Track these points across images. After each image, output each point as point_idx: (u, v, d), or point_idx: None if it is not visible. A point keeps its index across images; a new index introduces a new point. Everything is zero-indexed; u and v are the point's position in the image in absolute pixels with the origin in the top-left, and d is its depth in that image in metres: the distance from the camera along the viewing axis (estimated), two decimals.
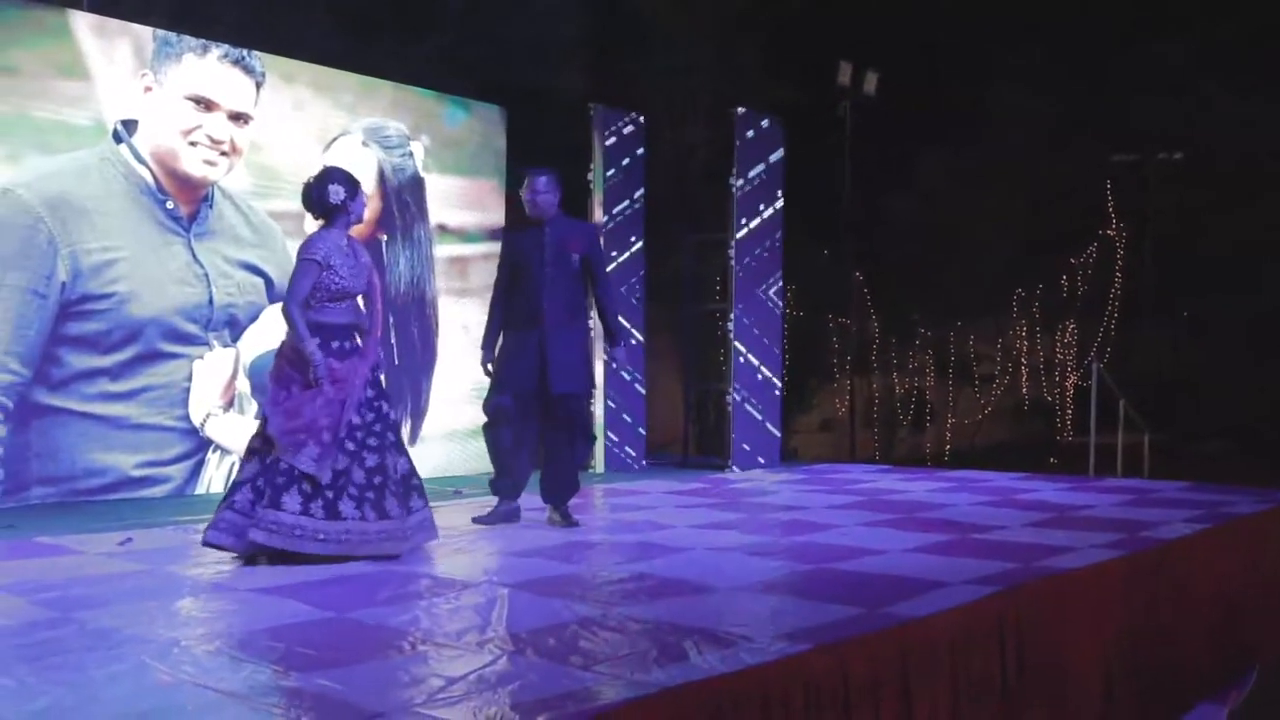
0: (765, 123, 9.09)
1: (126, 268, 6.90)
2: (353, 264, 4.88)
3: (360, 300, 4.99)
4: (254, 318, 7.52)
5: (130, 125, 6.98)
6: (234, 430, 7.25)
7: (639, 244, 9.05)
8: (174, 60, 7.15)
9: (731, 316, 8.90)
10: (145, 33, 7.07)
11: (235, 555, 4.69)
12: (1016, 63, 15.73)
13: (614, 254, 8.72)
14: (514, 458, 5.77)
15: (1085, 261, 17.98)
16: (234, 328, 7.43)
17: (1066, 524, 5.76)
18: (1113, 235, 17.93)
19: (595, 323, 6.35)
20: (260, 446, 4.78)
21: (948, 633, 3.57)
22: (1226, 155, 16.19)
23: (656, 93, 11.15)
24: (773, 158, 9.13)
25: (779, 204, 9.18)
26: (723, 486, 7.70)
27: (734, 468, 8.78)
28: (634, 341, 8.72)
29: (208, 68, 7.28)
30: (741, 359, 8.91)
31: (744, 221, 8.93)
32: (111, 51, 6.92)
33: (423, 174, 8.54)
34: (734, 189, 8.88)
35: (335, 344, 4.81)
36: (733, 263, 8.91)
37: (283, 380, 4.77)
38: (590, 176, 8.86)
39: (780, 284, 9.33)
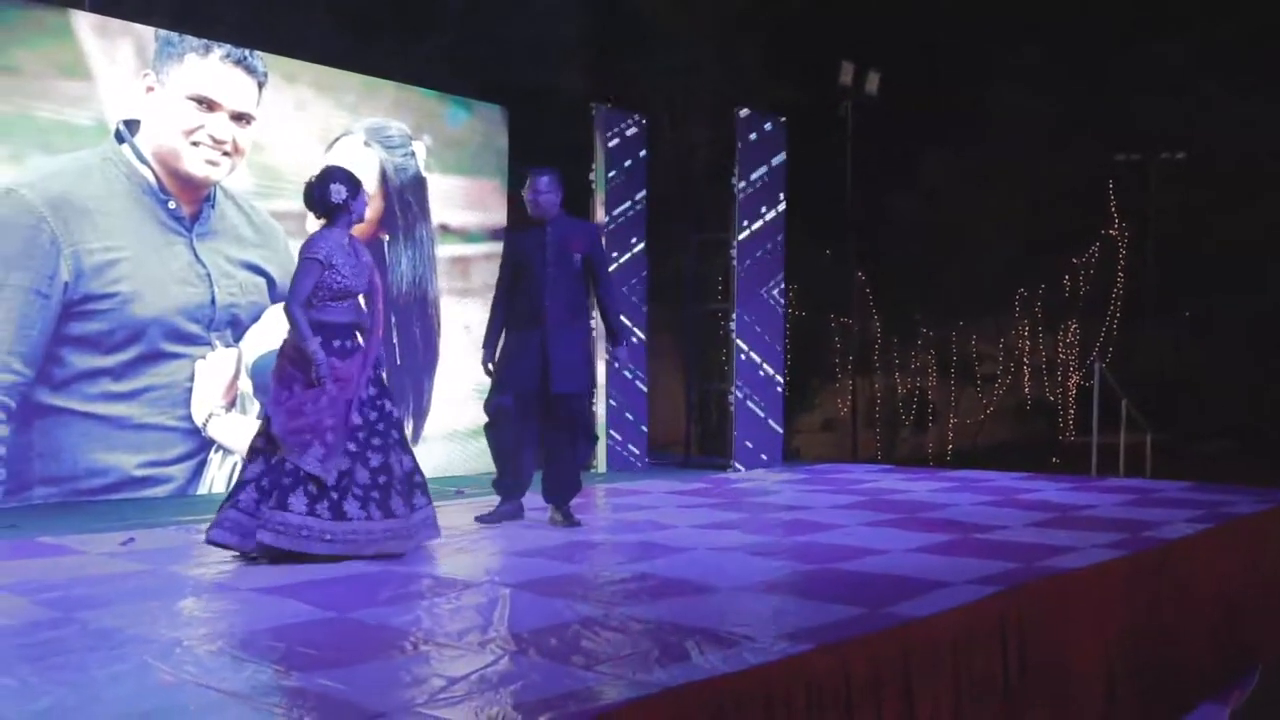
0: (768, 125, 9.09)
1: (129, 268, 6.91)
2: (354, 263, 4.89)
3: (361, 299, 5.00)
4: (256, 318, 7.53)
5: (132, 125, 6.99)
6: (236, 430, 7.25)
7: (640, 245, 9.06)
8: (176, 60, 7.15)
9: (733, 316, 8.90)
10: (147, 33, 7.08)
11: (236, 554, 4.70)
12: (1017, 63, 15.73)
13: (615, 254, 8.72)
14: (516, 458, 5.77)
15: (1087, 261, 17.98)
16: (236, 328, 7.44)
17: (1069, 524, 5.75)
18: (1115, 235, 17.92)
19: (597, 322, 6.35)
20: (264, 446, 4.78)
21: (950, 633, 3.57)
22: (1227, 155, 16.19)
23: (658, 92, 11.15)
24: (775, 161, 9.12)
25: (781, 207, 9.18)
26: (725, 486, 7.70)
27: (737, 466, 8.78)
28: (635, 340, 8.72)
29: (210, 68, 7.29)
30: (743, 357, 8.91)
31: (746, 224, 8.93)
32: (113, 51, 6.92)
33: (425, 174, 8.54)
34: (736, 190, 8.88)
35: (337, 343, 4.82)
36: (734, 263, 8.91)
37: (285, 379, 4.78)
38: (592, 176, 8.87)
39: (782, 284, 9.34)
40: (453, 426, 8.67)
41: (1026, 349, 18.50)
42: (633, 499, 6.95)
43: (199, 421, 7.24)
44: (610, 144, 8.90)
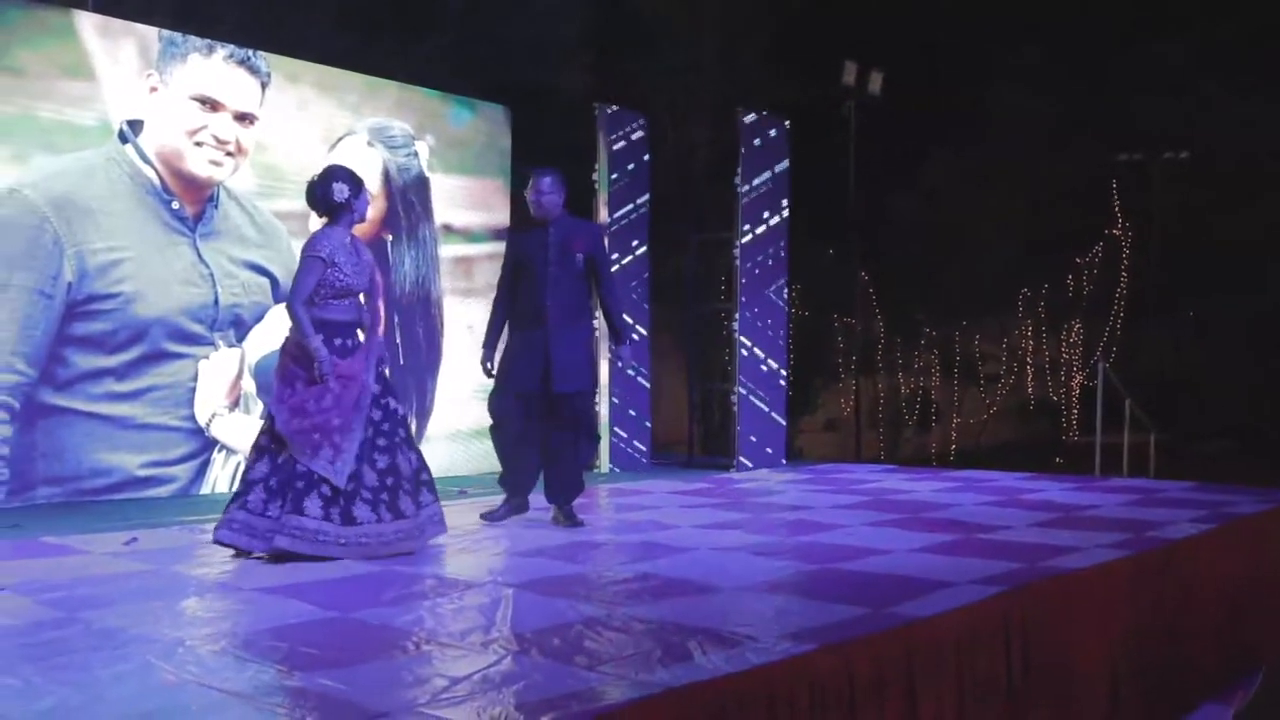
0: (773, 132, 9.07)
1: (132, 268, 6.91)
2: (356, 261, 4.90)
3: (361, 297, 5.01)
4: (259, 318, 7.53)
5: (136, 125, 6.99)
6: (239, 430, 7.26)
7: (643, 246, 9.06)
8: (179, 60, 7.16)
9: (736, 316, 8.90)
10: (150, 33, 7.08)
11: (235, 553, 4.71)
12: (1017, 63, 15.72)
13: (618, 256, 8.72)
14: (520, 458, 5.77)
15: (1091, 261, 17.96)
16: (239, 327, 7.44)
17: (1072, 524, 5.75)
18: (1118, 235, 17.91)
19: (600, 322, 6.35)
20: (269, 445, 4.79)
21: (953, 633, 3.57)
22: (1227, 155, 16.17)
23: (660, 92, 11.15)
24: (779, 167, 9.11)
25: (785, 213, 9.18)
26: (727, 486, 7.70)
27: (745, 462, 8.78)
28: (636, 337, 8.71)
29: (213, 68, 7.29)
30: (745, 353, 8.90)
31: (749, 228, 8.92)
32: (116, 52, 6.93)
33: (428, 174, 8.54)
34: (739, 191, 8.86)
35: (338, 341, 4.84)
36: (737, 263, 8.90)
37: (287, 377, 4.79)
38: (595, 177, 8.87)
39: (785, 285, 9.33)
40: (456, 426, 8.67)
41: (1030, 349, 18.49)
42: (635, 499, 6.94)
43: (202, 421, 7.25)
44: (615, 146, 8.90)
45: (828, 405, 17.32)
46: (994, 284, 17.36)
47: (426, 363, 8.61)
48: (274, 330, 7.31)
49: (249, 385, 7.45)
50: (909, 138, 15.20)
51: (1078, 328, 18.27)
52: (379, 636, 3.38)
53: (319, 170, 5.04)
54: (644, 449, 9.07)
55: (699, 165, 11.66)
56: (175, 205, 7.15)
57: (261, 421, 5.06)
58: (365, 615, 3.66)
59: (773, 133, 9.08)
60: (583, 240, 5.76)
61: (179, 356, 7.14)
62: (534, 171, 5.83)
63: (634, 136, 9.00)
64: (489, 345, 5.83)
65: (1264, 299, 15.95)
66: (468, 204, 8.86)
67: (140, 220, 6.99)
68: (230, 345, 7.40)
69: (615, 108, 8.98)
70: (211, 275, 7.30)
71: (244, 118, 7.43)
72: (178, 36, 7.17)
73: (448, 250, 8.73)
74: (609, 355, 7.44)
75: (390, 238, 8.32)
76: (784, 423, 9.29)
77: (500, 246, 7.58)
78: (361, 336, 4.97)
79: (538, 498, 5.90)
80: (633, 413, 8.97)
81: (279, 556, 4.57)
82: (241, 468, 5.14)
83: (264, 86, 7.56)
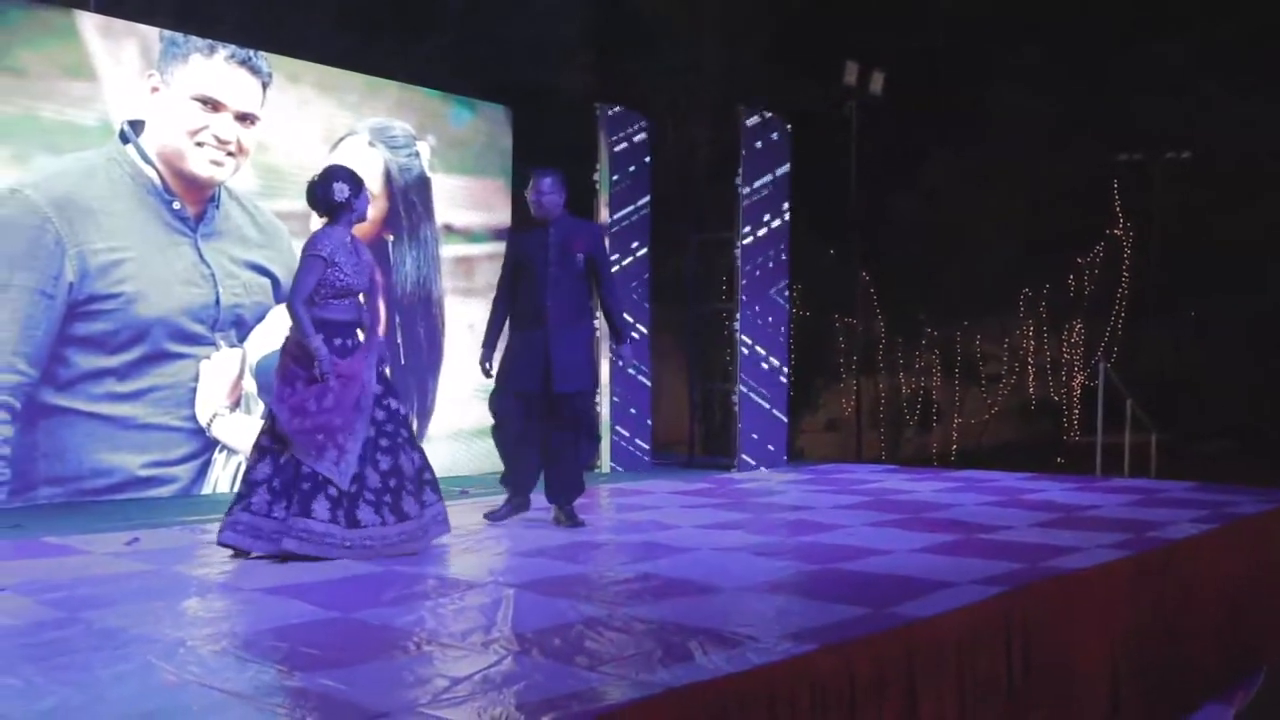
0: (775, 135, 9.07)
1: (133, 268, 6.92)
2: (356, 261, 4.91)
3: (361, 297, 5.01)
4: (260, 318, 7.54)
5: (137, 125, 7.00)
6: (240, 430, 7.26)
7: (644, 247, 9.05)
8: (181, 61, 7.16)
9: (737, 316, 8.89)
10: (152, 33, 7.09)
11: (233, 553, 4.72)
12: (1017, 63, 15.71)
13: (619, 257, 8.72)
14: (522, 458, 5.78)
15: (1091, 261, 17.95)
16: (240, 328, 7.44)
17: (1073, 524, 5.75)
18: (1119, 235, 17.90)
19: (600, 322, 6.36)
20: (270, 445, 4.79)
21: (954, 633, 3.57)
22: (1227, 155, 16.16)
23: (661, 92, 11.14)
24: (780, 171, 9.11)
25: (786, 216, 9.17)
26: (728, 486, 7.70)
27: (745, 458, 8.78)
28: (636, 335, 8.71)
29: (214, 68, 7.30)
30: (746, 351, 8.90)
31: (749, 230, 8.91)
32: (118, 52, 6.93)
33: (429, 174, 8.55)
34: (740, 192, 8.86)
35: (338, 341, 4.84)
36: (738, 263, 8.90)
37: (288, 377, 4.80)
38: (596, 177, 8.87)
39: (786, 285, 9.33)
40: (457, 426, 8.67)
41: (1031, 349, 18.47)
42: (636, 499, 6.95)
43: (203, 421, 7.25)
44: (617, 148, 8.90)
45: (829, 405, 17.30)
46: (995, 284, 17.34)
47: (428, 362, 8.61)
48: (275, 330, 7.31)
49: (250, 385, 7.45)
50: (909, 138, 15.19)
51: (1079, 328, 18.25)
52: (380, 637, 3.38)
53: (319, 170, 5.05)
54: (645, 449, 9.07)
55: (699, 165, 11.64)
56: (176, 205, 7.15)
57: (262, 421, 5.06)
58: (366, 615, 3.66)
59: (775, 136, 9.08)
60: (583, 240, 5.77)
61: (180, 357, 7.15)
62: (534, 172, 5.84)
63: (636, 139, 9.01)
64: (488, 345, 5.83)
65: (1264, 299, 15.93)
66: (469, 204, 8.87)
67: (141, 220, 7.00)
68: (231, 345, 7.40)
69: (616, 109, 8.98)
70: (213, 275, 7.30)
71: (245, 118, 7.43)
72: (179, 37, 7.17)
73: (449, 250, 8.73)
74: (610, 355, 7.44)
75: (391, 238, 8.32)
76: (785, 419, 9.28)
77: (501, 247, 7.57)
78: (361, 336, 4.98)
79: (538, 497, 5.90)
80: (634, 410, 8.97)
81: (283, 557, 4.57)
82: (242, 468, 5.15)
83: (265, 87, 7.56)
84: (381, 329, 5.18)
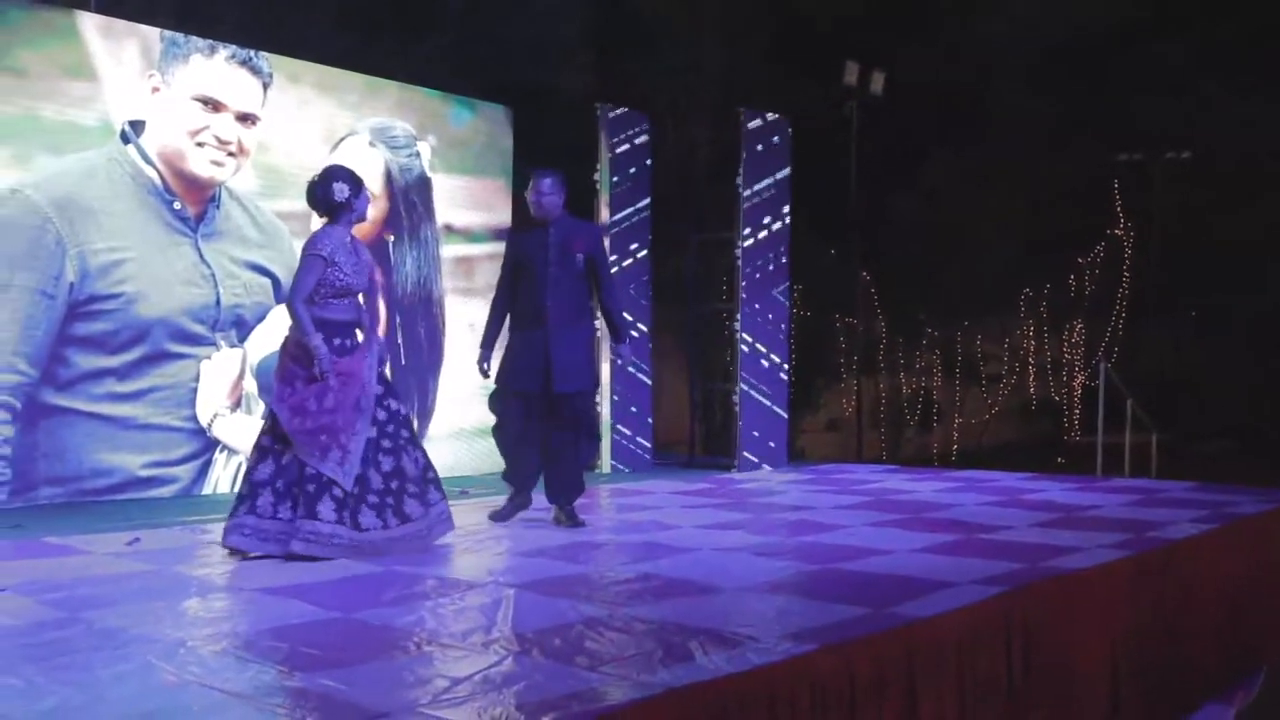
0: (776, 138, 9.06)
1: (134, 268, 6.92)
2: (356, 261, 4.92)
3: (360, 297, 5.02)
4: (261, 318, 7.54)
5: (138, 126, 7.00)
6: (241, 430, 7.26)
7: (644, 248, 9.05)
8: (181, 61, 7.16)
9: (738, 316, 8.89)
10: (152, 33, 7.09)
11: (229, 553, 4.72)
12: (1018, 63, 15.70)
13: (619, 258, 8.71)
14: (522, 458, 5.78)
15: (1092, 261, 17.95)
16: (241, 328, 7.45)
17: (1073, 524, 5.75)
18: (1119, 235, 17.90)
19: (600, 322, 6.36)
20: (271, 445, 4.79)
21: (954, 633, 3.57)
22: (1227, 155, 16.15)
23: (662, 92, 11.14)
24: (780, 173, 9.10)
25: (787, 220, 9.17)
26: (729, 486, 7.70)
27: (746, 455, 8.78)
28: (636, 334, 8.71)
29: (215, 68, 7.30)
30: (746, 349, 8.90)
31: (750, 232, 8.91)
32: (119, 52, 6.93)
33: (429, 174, 8.55)
34: (740, 193, 8.85)
35: (337, 341, 4.85)
36: (739, 263, 8.90)
37: (287, 376, 4.80)
38: (596, 177, 8.87)
39: (786, 285, 9.33)
40: (458, 426, 8.67)
41: (1031, 349, 18.47)
42: (637, 499, 6.95)
43: (204, 422, 7.26)
44: (618, 149, 8.89)
45: (829, 405, 17.30)
46: (995, 284, 17.34)
47: (428, 362, 8.61)
48: (276, 331, 7.31)
49: (251, 386, 7.45)
50: (909, 138, 15.18)
51: (1079, 328, 18.25)
52: (380, 637, 3.39)
53: (319, 170, 5.05)
54: (647, 447, 9.07)
55: (700, 165, 11.65)
56: (177, 205, 7.15)
57: (263, 422, 5.06)
58: (366, 616, 3.66)
59: (775, 139, 9.07)
60: (583, 241, 5.77)
61: (181, 357, 7.15)
62: (535, 172, 5.84)
63: (637, 140, 9.01)
64: (486, 345, 5.84)
65: (1264, 299, 15.94)
66: (469, 204, 8.87)
67: (142, 220, 7.00)
68: (232, 345, 7.40)
69: (617, 109, 8.98)
70: (213, 275, 7.30)
71: (246, 118, 7.43)
72: (179, 37, 7.18)
73: (449, 250, 8.73)
74: (610, 355, 7.44)
75: (392, 238, 8.32)
76: (786, 416, 9.28)
77: (501, 247, 7.58)
78: (360, 336, 4.98)
79: (539, 497, 5.90)
80: (634, 409, 8.96)
81: (287, 557, 4.58)
82: (243, 468, 5.15)
83: (266, 87, 7.56)
84: (382, 329, 5.18)
